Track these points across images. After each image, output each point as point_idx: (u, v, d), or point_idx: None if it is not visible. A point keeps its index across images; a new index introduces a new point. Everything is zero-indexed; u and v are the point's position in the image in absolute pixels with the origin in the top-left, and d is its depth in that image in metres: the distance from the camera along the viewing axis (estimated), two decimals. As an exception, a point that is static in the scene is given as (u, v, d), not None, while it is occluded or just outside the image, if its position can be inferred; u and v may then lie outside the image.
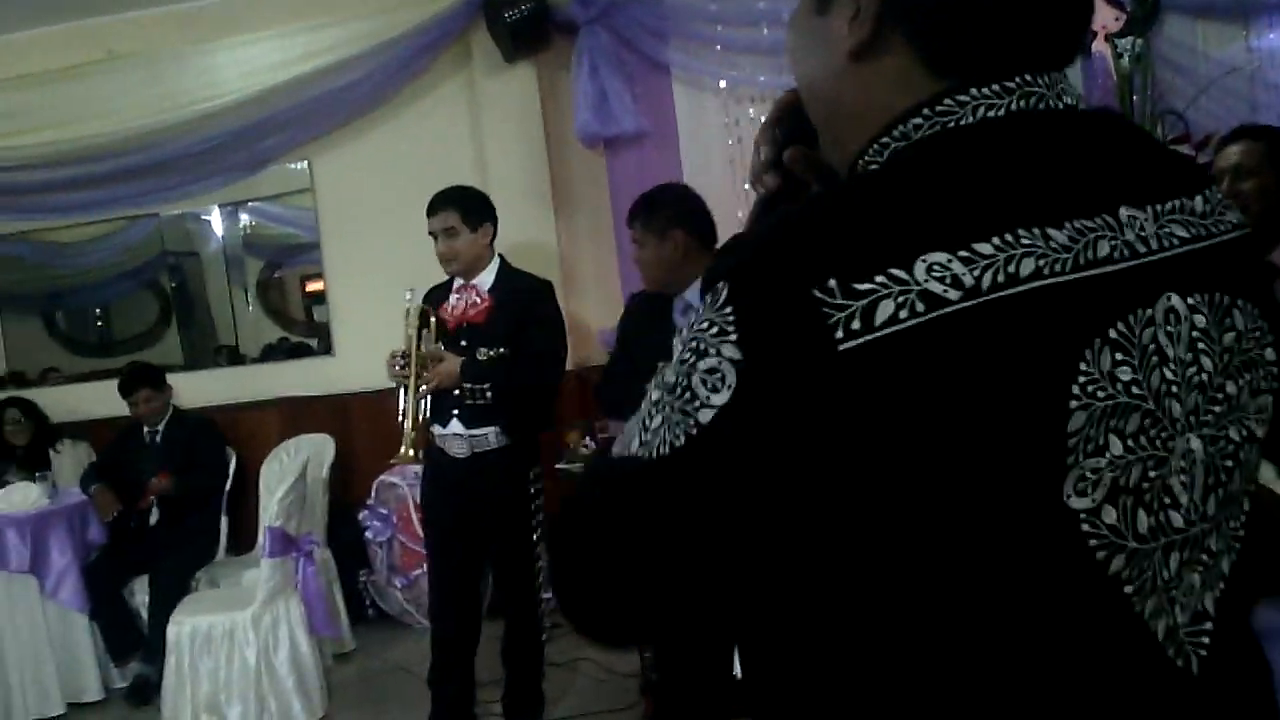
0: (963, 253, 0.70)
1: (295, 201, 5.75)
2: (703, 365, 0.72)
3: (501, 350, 3.53)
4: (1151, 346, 0.75)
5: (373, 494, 5.20)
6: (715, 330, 0.72)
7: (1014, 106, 0.79)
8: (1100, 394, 0.72)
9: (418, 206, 3.77)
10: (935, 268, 0.69)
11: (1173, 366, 0.76)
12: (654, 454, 0.74)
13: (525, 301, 3.61)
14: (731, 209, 5.00)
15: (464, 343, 3.59)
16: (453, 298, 3.68)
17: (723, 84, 5.11)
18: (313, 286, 5.86)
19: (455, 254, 3.61)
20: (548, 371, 3.59)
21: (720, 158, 5.12)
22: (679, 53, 5.11)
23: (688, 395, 0.72)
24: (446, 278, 3.73)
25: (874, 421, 0.69)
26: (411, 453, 3.50)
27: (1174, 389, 0.76)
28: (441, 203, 3.63)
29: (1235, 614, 0.82)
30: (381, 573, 5.20)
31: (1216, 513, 0.79)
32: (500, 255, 3.73)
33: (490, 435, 3.55)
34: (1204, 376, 0.78)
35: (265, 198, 5.85)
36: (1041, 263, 0.71)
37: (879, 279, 0.69)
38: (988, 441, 0.70)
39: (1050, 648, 0.74)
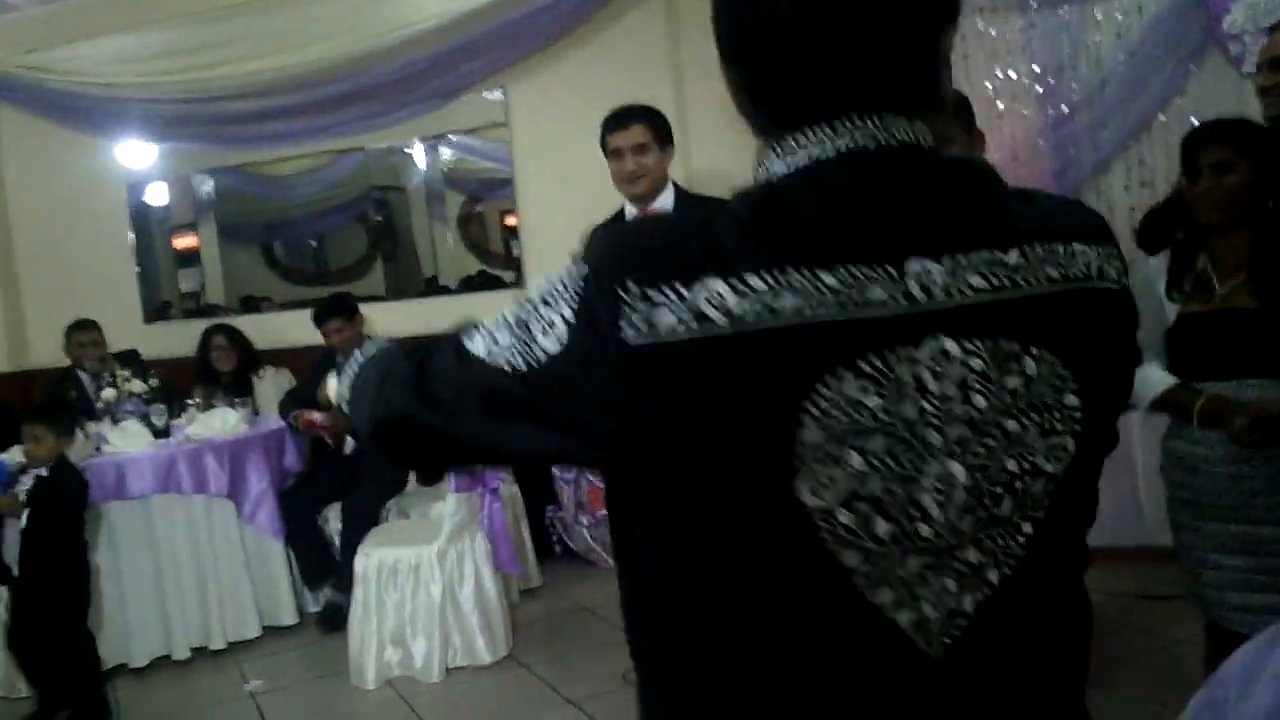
0: (736, 283, 0.82)
1: (493, 135, 5.68)
2: (546, 313, 0.88)
3: None
4: (910, 381, 0.85)
5: (561, 431, 5.06)
6: (568, 293, 0.87)
7: (843, 147, 0.89)
8: (839, 415, 0.83)
9: (612, 137, 3.56)
10: (713, 295, 0.82)
11: (934, 400, 0.85)
12: (500, 364, 0.90)
13: None
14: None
15: None
16: (630, 227, 3.47)
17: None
18: (511, 221, 5.81)
19: (646, 171, 3.39)
20: None
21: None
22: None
23: (529, 333, 0.89)
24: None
25: (648, 405, 0.84)
26: None
27: (932, 420, 0.85)
28: (633, 117, 3.41)
29: (1011, 617, 0.91)
30: (569, 510, 5.11)
31: (975, 531, 0.88)
32: (673, 181, 3.49)
33: None
34: (974, 413, 0.86)
35: (463, 130, 5.82)
36: (803, 301, 0.83)
37: (668, 292, 0.83)
38: (731, 444, 0.84)
39: (785, 620, 0.88)
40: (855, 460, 0.84)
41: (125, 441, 4.59)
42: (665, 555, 0.91)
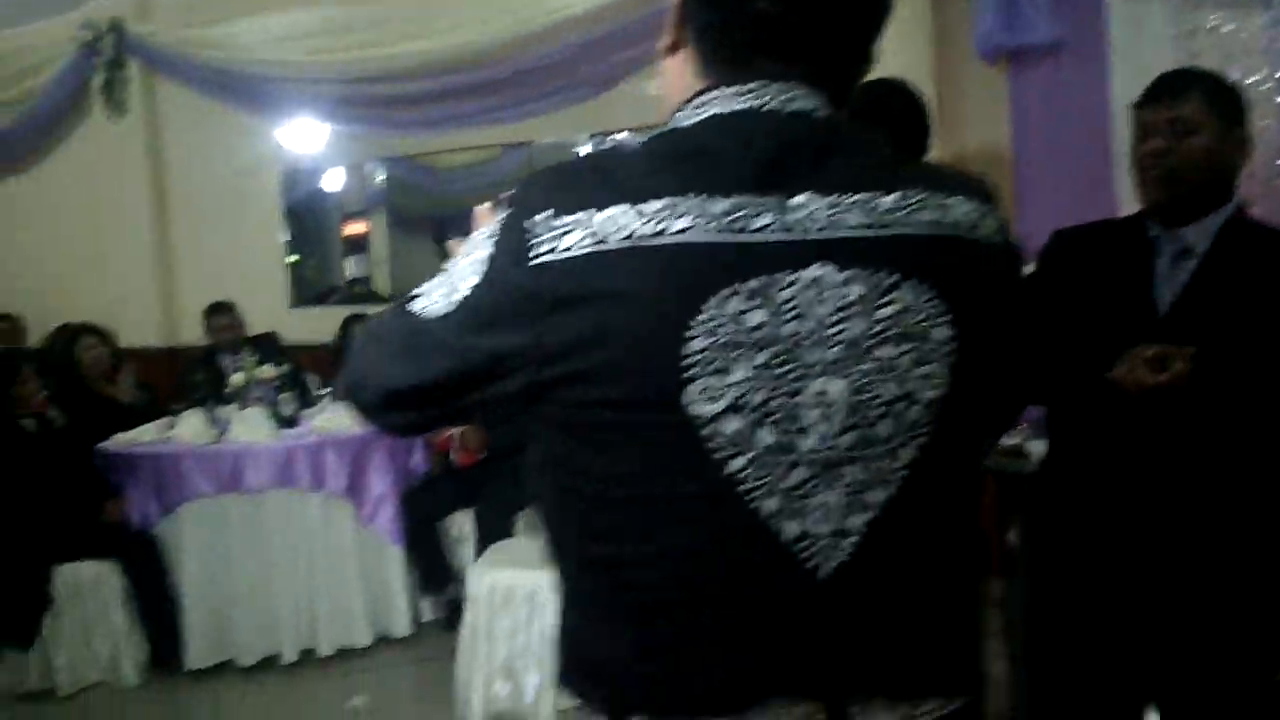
0: (639, 207, 0.95)
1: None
2: (470, 256, 1.01)
3: None
4: (791, 302, 0.95)
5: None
6: (488, 235, 1.00)
7: (742, 106, 1.01)
8: (724, 328, 0.93)
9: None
10: (614, 217, 0.95)
11: (811, 322, 0.95)
12: (428, 311, 1.03)
13: None
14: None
15: None
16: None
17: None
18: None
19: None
20: None
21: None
22: (1119, -57, 4.08)
23: (456, 277, 1.01)
24: None
25: (553, 314, 0.95)
26: None
27: (809, 339, 0.95)
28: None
29: (897, 540, 0.98)
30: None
31: (855, 449, 0.96)
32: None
33: None
34: (849, 336, 0.95)
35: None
36: (693, 223, 0.94)
37: (577, 216, 0.95)
38: (623, 347, 0.94)
39: (674, 527, 0.97)
40: (739, 370, 0.94)
41: (246, 430, 4.39)
42: (564, 483, 1.03)
